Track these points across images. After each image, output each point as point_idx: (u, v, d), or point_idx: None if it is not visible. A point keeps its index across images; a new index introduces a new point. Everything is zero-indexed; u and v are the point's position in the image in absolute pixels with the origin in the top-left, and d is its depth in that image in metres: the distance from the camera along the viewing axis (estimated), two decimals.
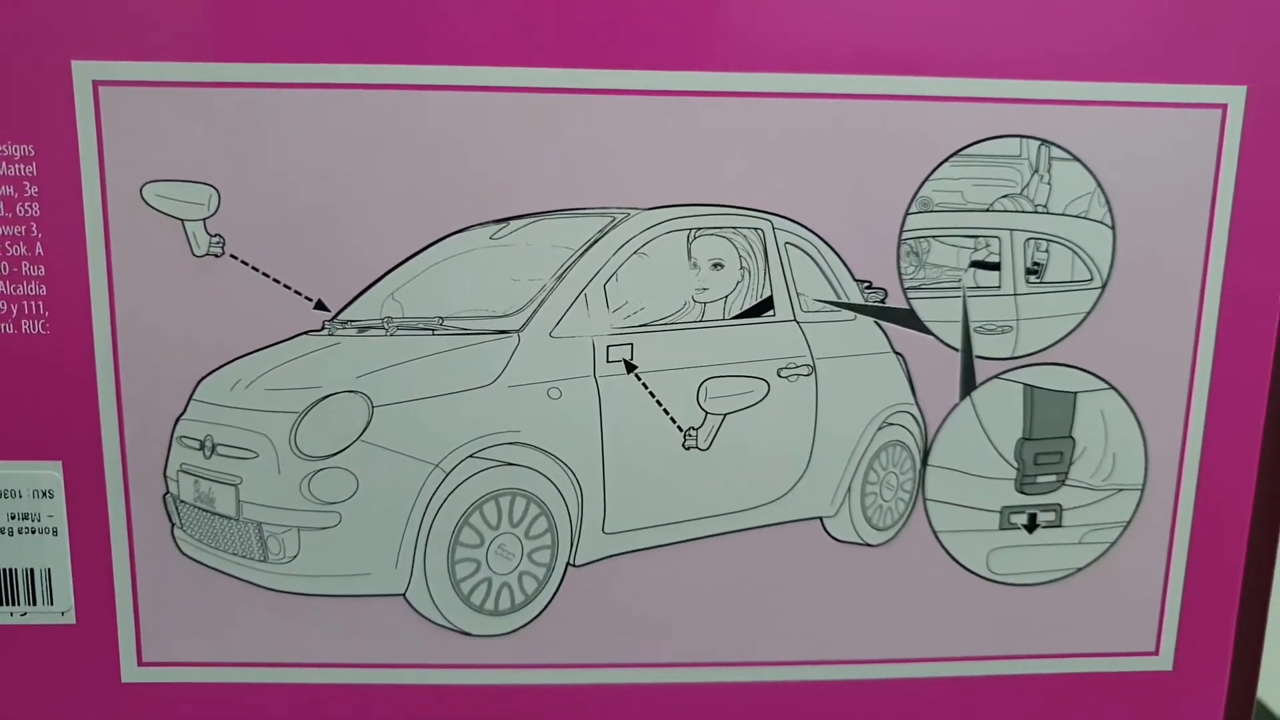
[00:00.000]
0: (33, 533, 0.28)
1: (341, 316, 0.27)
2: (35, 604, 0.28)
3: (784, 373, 0.28)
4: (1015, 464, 0.29)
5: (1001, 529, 0.30)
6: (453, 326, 0.27)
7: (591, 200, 0.27)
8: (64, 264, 0.27)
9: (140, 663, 0.29)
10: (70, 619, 0.29)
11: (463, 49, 0.26)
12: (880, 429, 0.29)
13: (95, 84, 0.26)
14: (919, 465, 0.29)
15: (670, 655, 0.29)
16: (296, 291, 0.27)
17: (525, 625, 0.29)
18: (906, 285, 0.28)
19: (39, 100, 0.26)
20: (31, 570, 0.28)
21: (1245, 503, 0.30)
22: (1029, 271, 0.28)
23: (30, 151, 0.26)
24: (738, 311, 0.28)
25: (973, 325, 0.28)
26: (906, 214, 0.28)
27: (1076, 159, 0.28)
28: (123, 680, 0.29)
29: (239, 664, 0.29)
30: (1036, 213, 0.28)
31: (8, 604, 0.28)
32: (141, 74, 0.26)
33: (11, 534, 0.28)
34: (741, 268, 0.28)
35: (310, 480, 0.28)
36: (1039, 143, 0.27)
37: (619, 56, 0.26)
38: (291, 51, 0.26)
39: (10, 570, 0.28)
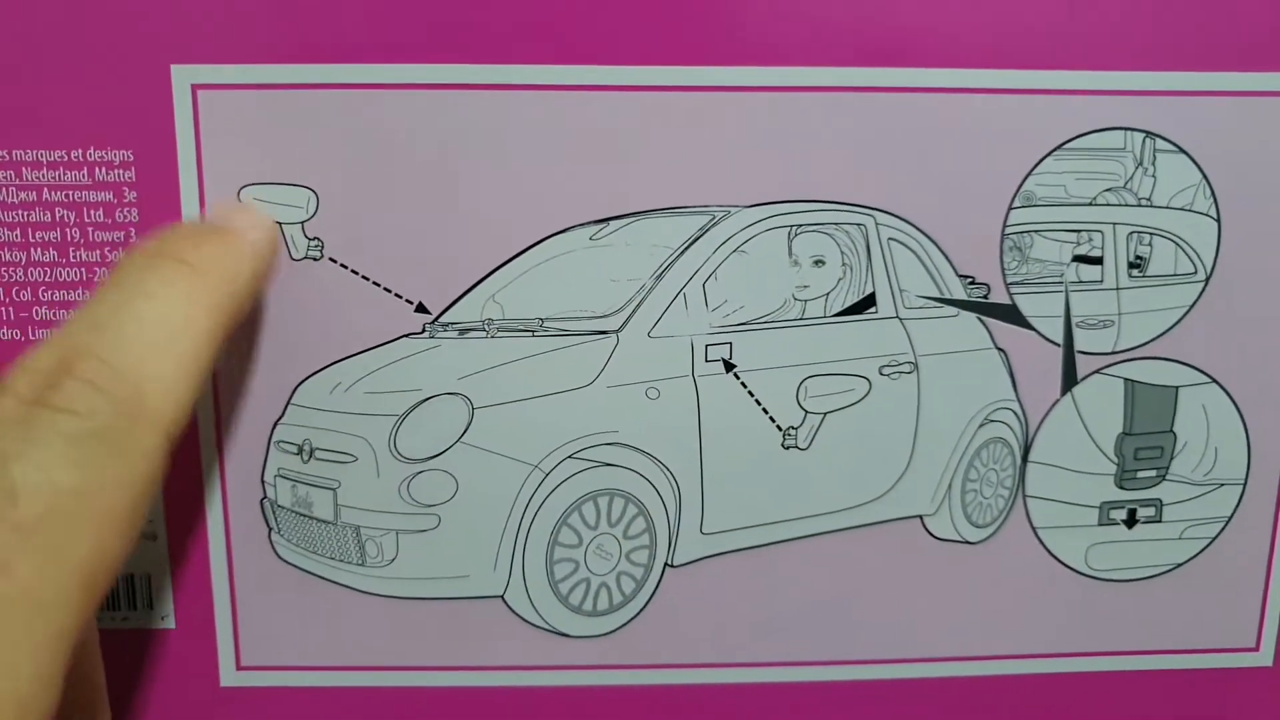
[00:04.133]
0: None
1: (442, 319, 0.27)
2: (135, 608, 0.29)
3: (886, 370, 0.28)
4: (1115, 459, 0.29)
5: (1101, 525, 0.29)
6: (552, 328, 0.27)
7: (691, 199, 0.27)
8: None
9: (239, 667, 0.29)
10: (170, 623, 0.29)
11: (561, 48, 0.26)
12: (982, 426, 0.28)
13: (194, 88, 0.26)
14: (1019, 462, 0.29)
15: (769, 655, 0.29)
16: (397, 294, 0.27)
17: (623, 626, 0.29)
18: (1009, 280, 0.28)
19: (138, 106, 0.26)
20: (131, 575, 0.28)
21: None
22: (1132, 265, 0.28)
23: (129, 157, 0.26)
24: (839, 309, 0.28)
25: (1075, 320, 0.28)
26: (1009, 208, 0.27)
27: (1182, 151, 0.27)
28: (221, 684, 0.29)
29: (337, 668, 0.29)
30: (1140, 206, 0.28)
31: (109, 608, 0.28)
32: (240, 77, 0.26)
33: None
34: (843, 264, 0.27)
35: (409, 483, 0.28)
36: (1143, 135, 0.27)
37: (720, 53, 0.26)
38: (389, 53, 0.26)
39: None
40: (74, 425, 0.19)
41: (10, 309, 0.27)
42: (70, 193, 0.26)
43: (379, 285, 0.27)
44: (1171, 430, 0.29)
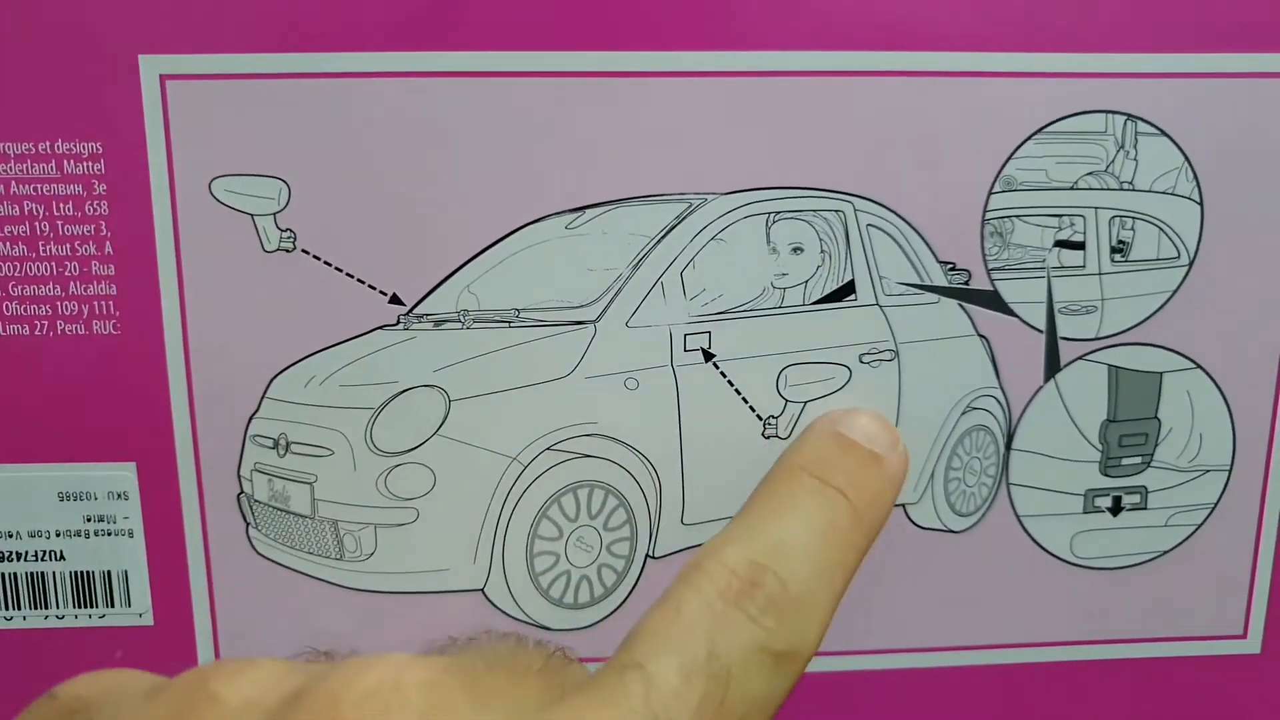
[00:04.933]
0: (109, 535, 0.28)
1: (417, 310, 0.27)
2: (113, 606, 0.28)
3: (866, 358, 0.28)
4: (1100, 446, 0.29)
5: (1086, 512, 0.29)
6: (529, 318, 0.27)
7: (668, 186, 0.26)
8: (134, 262, 0.26)
9: None
10: (148, 620, 0.28)
11: (535, 35, 0.25)
12: (964, 413, 0.28)
13: (163, 78, 0.25)
14: (1002, 449, 0.29)
15: None
16: (371, 286, 0.26)
17: (605, 618, 0.29)
18: (990, 266, 0.27)
19: (106, 97, 0.25)
20: (109, 572, 0.28)
21: None
22: (1114, 250, 0.28)
23: (98, 149, 0.26)
24: (818, 296, 0.27)
25: (1057, 306, 0.28)
26: (990, 193, 0.27)
27: (1164, 133, 0.27)
28: None
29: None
30: (1122, 190, 0.27)
31: (86, 606, 0.28)
32: (209, 67, 0.25)
33: (88, 536, 0.28)
34: (822, 251, 0.27)
35: (387, 476, 0.27)
36: (1125, 118, 0.27)
37: (697, 38, 0.26)
38: (361, 41, 0.25)
39: (88, 573, 0.28)
40: (766, 640, 0.20)
41: None
42: (39, 185, 0.26)
43: (353, 277, 0.26)
44: (1156, 416, 0.29)
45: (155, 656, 0.29)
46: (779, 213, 0.27)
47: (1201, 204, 0.27)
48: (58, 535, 0.28)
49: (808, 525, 0.22)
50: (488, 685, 0.18)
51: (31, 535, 0.28)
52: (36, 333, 0.27)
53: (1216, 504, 0.29)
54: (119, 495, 0.28)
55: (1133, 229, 0.28)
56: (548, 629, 0.29)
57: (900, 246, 0.27)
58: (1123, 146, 0.27)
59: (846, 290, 0.28)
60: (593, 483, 0.28)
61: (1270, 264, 0.28)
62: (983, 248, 0.27)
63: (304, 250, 0.26)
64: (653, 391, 0.27)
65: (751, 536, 0.21)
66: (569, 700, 0.18)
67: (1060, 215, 0.27)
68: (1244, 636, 0.30)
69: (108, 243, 0.26)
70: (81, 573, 0.28)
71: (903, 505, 0.29)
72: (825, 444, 0.24)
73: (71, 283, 0.26)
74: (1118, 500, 0.29)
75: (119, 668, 0.19)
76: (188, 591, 0.28)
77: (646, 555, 0.28)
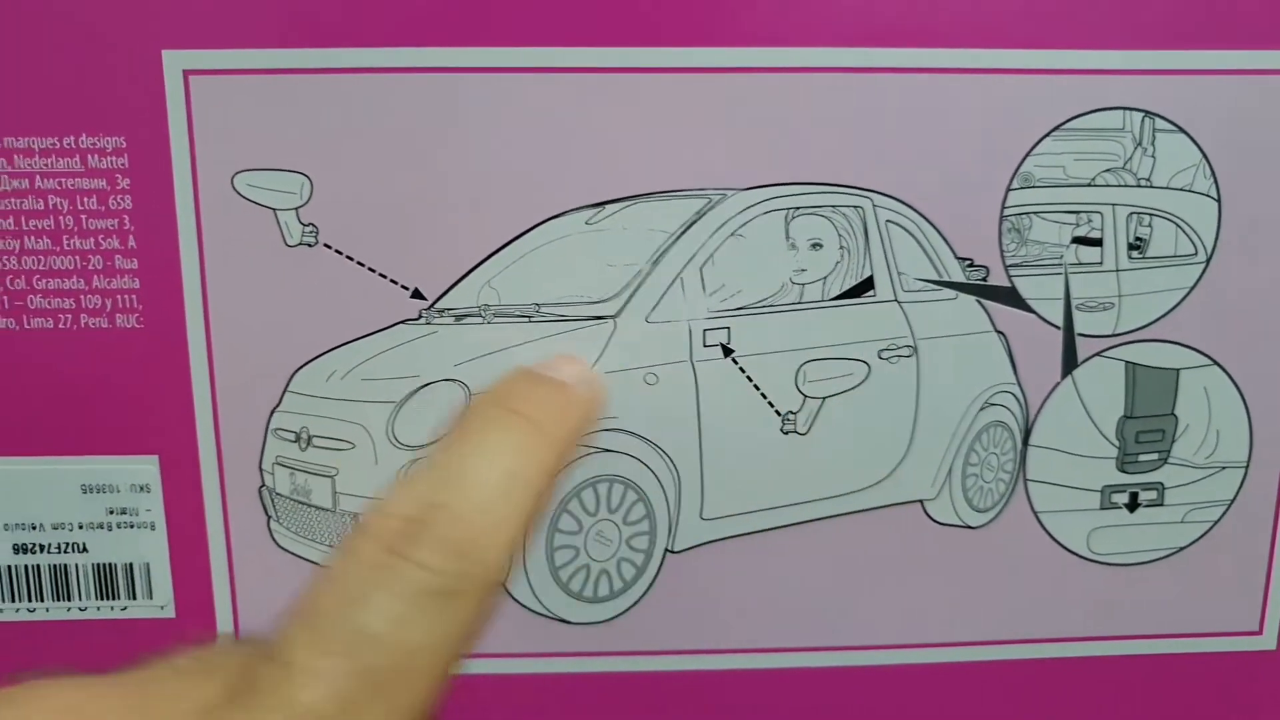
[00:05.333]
0: (131, 527, 0.28)
1: (439, 305, 0.27)
2: (135, 598, 0.28)
3: (885, 354, 0.28)
4: (1117, 442, 0.29)
5: (1102, 508, 0.29)
6: (549, 313, 0.27)
7: (688, 182, 0.27)
8: (157, 257, 0.26)
9: None
10: (170, 612, 0.29)
11: (557, 30, 0.25)
12: (982, 409, 0.28)
13: (186, 73, 0.25)
14: (1020, 445, 0.29)
15: (770, 641, 0.29)
16: (392, 280, 0.27)
17: (624, 612, 0.29)
18: (1008, 263, 0.27)
19: (130, 92, 0.26)
20: (131, 564, 0.28)
21: None
22: (1131, 246, 0.28)
23: (122, 144, 0.26)
24: (837, 292, 0.28)
25: (1074, 302, 0.28)
26: (1008, 190, 0.27)
27: (1181, 130, 0.27)
28: None
29: None
30: (1139, 186, 0.27)
31: (109, 598, 0.28)
32: (232, 62, 0.25)
33: (110, 529, 0.28)
34: (841, 247, 0.27)
35: (408, 470, 0.27)
36: (1142, 114, 0.27)
37: (717, 34, 0.26)
38: (382, 36, 0.25)
39: (110, 565, 0.28)
40: (429, 581, 0.19)
41: (5, 298, 0.26)
42: (63, 180, 0.26)
43: (374, 271, 0.27)
44: (1173, 413, 0.29)
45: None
46: (798, 208, 0.27)
47: (1219, 200, 0.27)
48: (80, 528, 0.28)
49: (486, 451, 0.21)
50: (154, 687, 0.18)
51: (54, 527, 0.28)
52: (60, 326, 0.27)
53: (1233, 500, 0.29)
54: (141, 488, 0.28)
55: (1150, 225, 0.28)
56: (567, 622, 0.29)
57: (919, 242, 0.27)
58: (1140, 143, 0.27)
59: (865, 286, 0.28)
60: (612, 477, 0.28)
61: None
62: (1001, 244, 0.27)
63: (326, 245, 0.26)
64: (672, 386, 0.28)
65: (424, 477, 0.21)
66: (205, 713, 0.18)
67: (1078, 212, 0.27)
68: (1259, 633, 0.30)
69: (131, 237, 0.26)
70: (104, 565, 0.28)
71: (920, 501, 0.29)
72: (508, 378, 0.24)
73: (95, 277, 0.27)
74: (1134, 496, 0.29)
75: None
76: (209, 584, 0.29)
77: (665, 549, 0.29)
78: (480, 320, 0.27)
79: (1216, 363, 0.28)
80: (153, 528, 0.28)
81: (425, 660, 0.19)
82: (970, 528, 0.29)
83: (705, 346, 0.27)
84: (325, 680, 0.18)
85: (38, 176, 0.26)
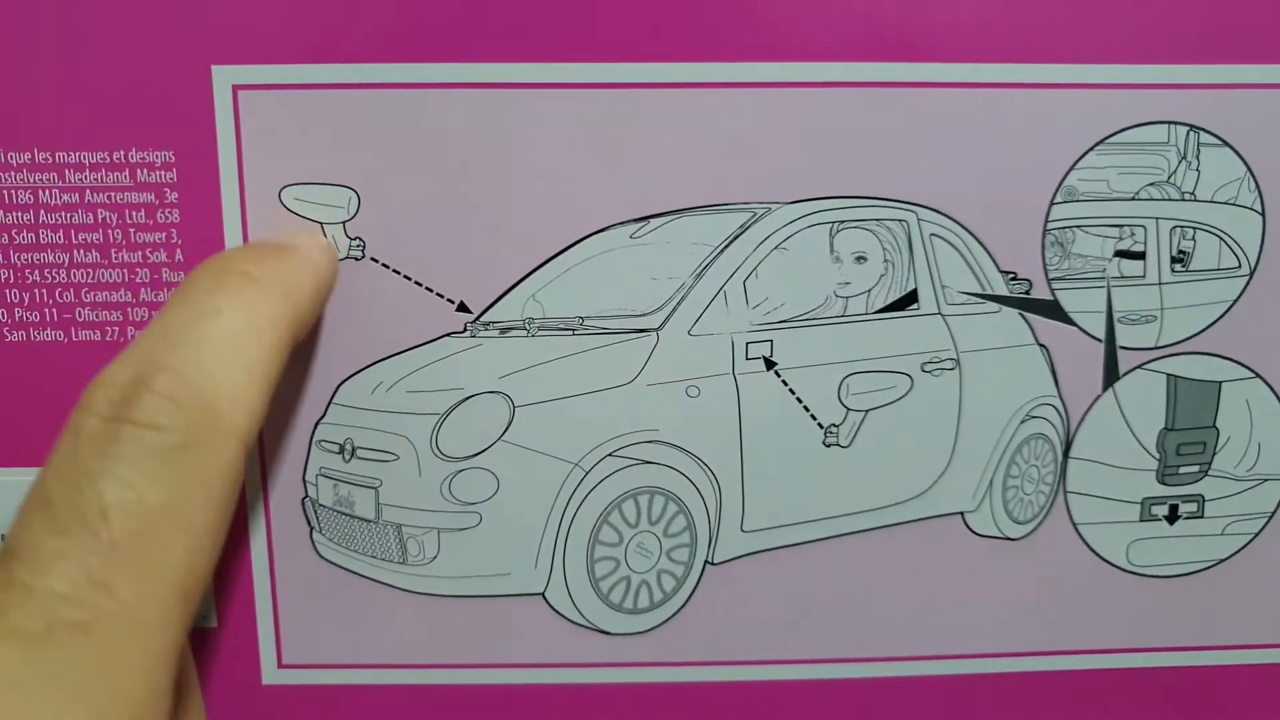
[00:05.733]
0: None
1: (484, 318, 0.27)
2: None
3: (928, 367, 0.28)
4: (1157, 455, 0.29)
5: (1142, 520, 0.29)
6: (593, 326, 0.27)
7: (732, 196, 0.27)
8: None
9: (280, 665, 0.29)
10: (212, 622, 0.29)
11: (603, 45, 0.26)
12: (1023, 422, 0.28)
13: (235, 89, 0.26)
14: (1060, 458, 0.29)
15: (810, 652, 0.29)
16: (438, 294, 0.27)
17: (663, 623, 0.29)
18: (1051, 276, 0.28)
19: (179, 107, 0.26)
20: None
21: None
22: (1174, 260, 0.28)
23: (171, 158, 0.26)
24: (881, 306, 0.28)
25: (1117, 315, 0.28)
26: (1051, 204, 0.27)
27: (1226, 144, 0.27)
28: (264, 682, 0.29)
29: (379, 666, 0.29)
30: (1183, 200, 0.27)
31: None
32: (280, 77, 0.26)
33: None
34: (885, 261, 0.27)
35: (451, 481, 0.28)
36: (1187, 128, 0.27)
37: (762, 49, 0.26)
38: (429, 52, 0.25)
39: None
40: (156, 440, 0.18)
41: (54, 310, 0.27)
42: (112, 194, 0.26)
43: (420, 285, 0.27)
44: (1214, 426, 0.29)
45: (218, 658, 0.29)
46: (843, 222, 0.27)
47: (1264, 214, 0.27)
48: None
49: (203, 308, 0.21)
50: None
51: None
52: (108, 338, 0.27)
53: (1274, 513, 0.29)
54: None
55: (1194, 239, 0.28)
56: (607, 633, 0.29)
57: (962, 256, 0.27)
58: (1185, 157, 0.27)
59: (909, 299, 0.28)
60: (653, 489, 0.28)
61: None
62: (1044, 258, 0.27)
63: (373, 259, 0.26)
64: (714, 399, 0.28)
65: (139, 346, 0.20)
66: None
67: (1121, 225, 0.27)
68: None
69: (179, 250, 0.27)
70: None
71: (961, 514, 0.29)
72: (232, 249, 0.23)
73: (143, 290, 0.27)
74: (1174, 509, 0.29)
75: None
76: (251, 594, 0.29)
77: (706, 561, 0.29)
78: (524, 333, 0.27)
79: (1259, 375, 0.28)
80: None
81: (170, 520, 0.18)
82: (1010, 539, 0.29)
83: (748, 359, 0.28)
84: (64, 560, 0.17)
85: (87, 191, 0.26)
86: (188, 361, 0.20)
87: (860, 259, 0.27)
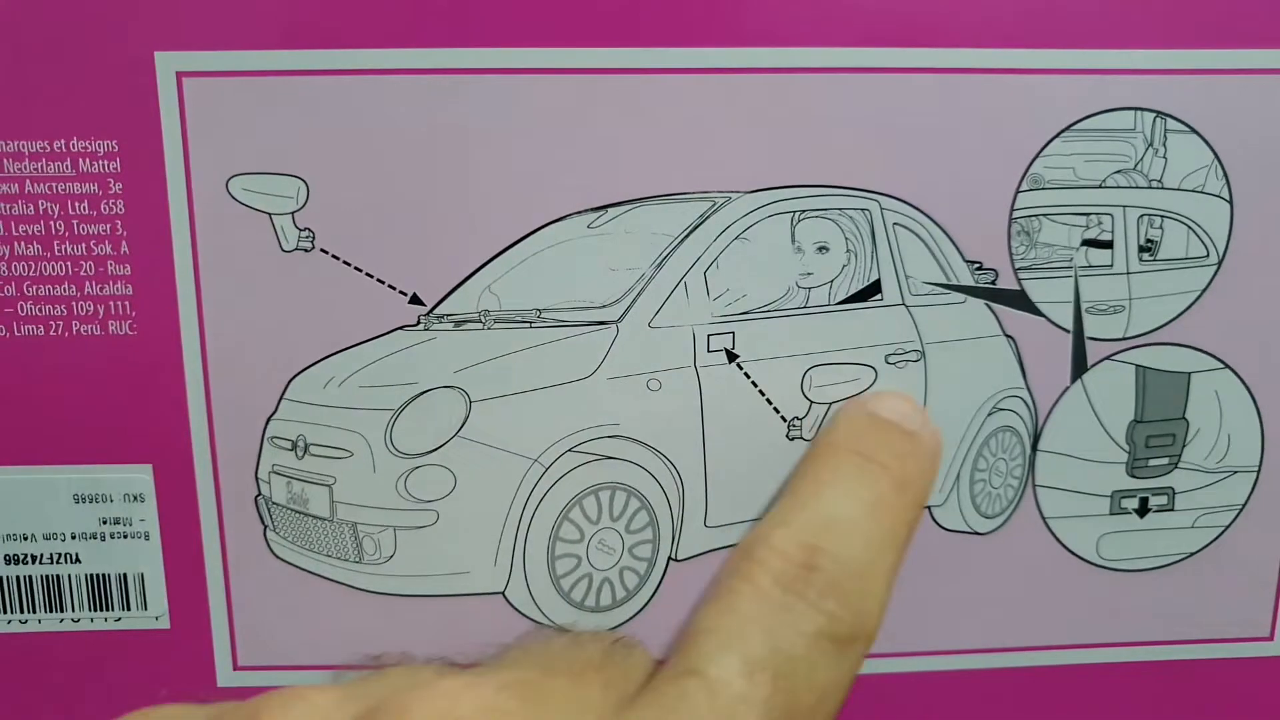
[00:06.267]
0: (125, 537, 0.28)
1: (437, 311, 0.26)
2: (129, 609, 0.28)
3: (892, 359, 0.27)
4: (1126, 447, 0.28)
5: (1112, 514, 0.29)
6: (550, 318, 0.27)
7: (691, 185, 0.26)
8: (150, 262, 0.26)
9: (236, 666, 0.29)
10: (164, 623, 0.28)
11: (556, 31, 0.25)
12: (990, 414, 0.28)
13: (179, 75, 0.25)
14: (1028, 451, 0.28)
15: None
16: (390, 286, 0.26)
17: (627, 621, 0.28)
18: (1017, 265, 0.27)
19: (122, 94, 0.25)
20: (125, 575, 0.28)
21: None
22: (1142, 249, 0.27)
23: (114, 147, 0.25)
24: (844, 296, 0.27)
25: (1084, 306, 0.27)
26: (1017, 192, 0.27)
27: (1193, 131, 0.26)
28: (219, 684, 0.29)
29: (336, 667, 0.28)
30: (1151, 188, 0.27)
31: (102, 609, 0.28)
32: (226, 64, 0.25)
33: (104, 539, 0.28)
34: (848, 251, 0.27)
35: (407, 478, 0.27)
36: (1154, 115, 0.26)
37: (720, 34, 0.25)
38: (381, 37, 0.25)
39: (104, 575, 0.28)
40: (826, 625, 0.19)
41: None
42: (54, 184, 0.25)
43: (372, 277, 0.26)
44: (1184, 417, 0.28)
45: (172, 660, 0.28)
46: (804, 211, 0.26)
47: (1231, 202, 0.27)
48: (73, 538, 0.28)
49: (855, 500, 0.21)
50: (547, 694, 0.17)
51: (46, 538, 0.28)
52: (52, 333, 0.26)
53: (1244, 505, 0.29)
54: (135, 497, 0.27)
55: (1161, 227, 0.27)
56: (570, 632, 0.28)
57: (927, 245, 0.27)
58: (1152, 144, 0.27)
59: (872, 290, 0.27)
60: (615, 484, 0.28)
61: None
62: (1010, 247, 0.27)
63: (323, 250, 0.26)
64: (675, 392, 0.27)
65: (799, 518, 0.21)
66: (628, 716, 0.17)
67: (1088, 214, 0.27)
68: (1271, 638, 0.30)
69: (124, 242, 0.26)
70: (97, 575, 0.28)
71: (928, 508, 0.28)
72: (861, 423, 0.24)
73: (87, 283, 0.26)
74: (1144, 502, 0.29)
75: (169, 703, 0.18)
76: (205, 594, 0.28)
77: (669, 558, 0.28)
78: (480, 326, 0.26)
79: (1228, 366, 0.28)
80: (146, 538, 0.28)
81: (831, 704, 0.19)
82: (978, 534, 0.29)
83: (709, 352, 0.27)
84: (753, 705, 0.17)
85: (28, 181, 0.25)
86: (849, 557, 0.20)
87: (822, 249, 0.27)
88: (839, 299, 0.27)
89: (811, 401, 0.27)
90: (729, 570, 0.20)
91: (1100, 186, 0.27)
